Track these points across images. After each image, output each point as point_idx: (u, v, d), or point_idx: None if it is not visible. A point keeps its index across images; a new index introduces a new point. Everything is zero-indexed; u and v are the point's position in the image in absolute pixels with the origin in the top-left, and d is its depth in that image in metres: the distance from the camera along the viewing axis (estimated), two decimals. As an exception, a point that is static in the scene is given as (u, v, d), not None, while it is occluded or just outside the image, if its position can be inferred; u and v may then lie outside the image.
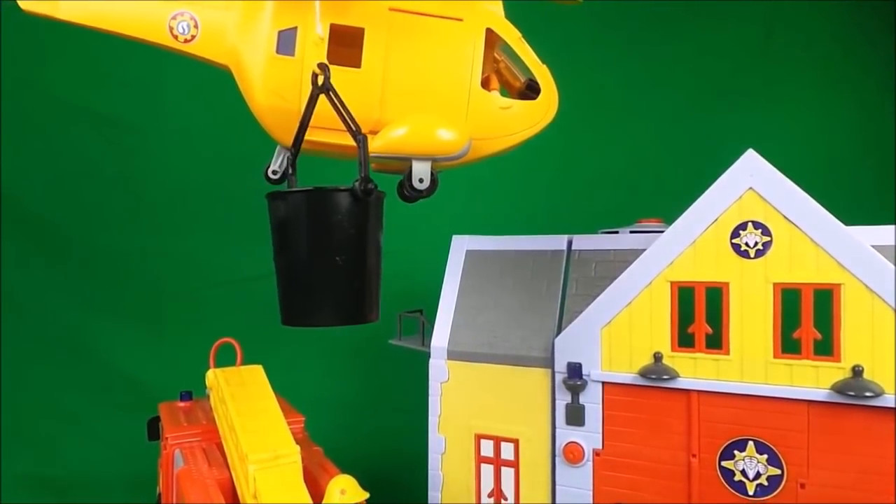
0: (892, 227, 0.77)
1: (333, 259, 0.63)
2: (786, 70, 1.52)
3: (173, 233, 1.67)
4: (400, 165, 0.74)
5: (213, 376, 0.89)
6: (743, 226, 0.79)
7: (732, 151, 0.80)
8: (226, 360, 0.95)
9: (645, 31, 1.54)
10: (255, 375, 0.89)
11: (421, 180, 0.71)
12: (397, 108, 0.70)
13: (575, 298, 0.93)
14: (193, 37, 0.69)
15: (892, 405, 0.71)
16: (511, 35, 0.73)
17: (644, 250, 0.84)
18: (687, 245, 0.81)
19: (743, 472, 0.79)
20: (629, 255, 0.87)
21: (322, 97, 0.64)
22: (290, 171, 0.68)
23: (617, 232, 0.99)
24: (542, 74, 0.74)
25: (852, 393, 0.72)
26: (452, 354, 0.97)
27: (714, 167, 0.81)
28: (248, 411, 0.80)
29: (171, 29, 0.69)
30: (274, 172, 0.75)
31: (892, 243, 0.75)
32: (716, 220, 0.80)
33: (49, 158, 1.62)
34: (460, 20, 0.71)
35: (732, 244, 0.79)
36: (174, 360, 1.51)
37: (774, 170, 0.77)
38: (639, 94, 1.53)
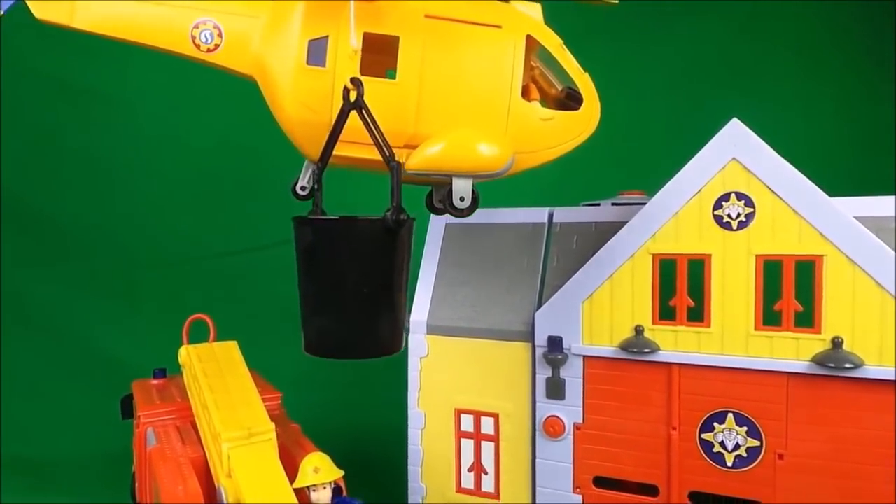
0: (874, 198, 0.76)
1: (360, 290, 0.60)
2: (770, 47, 1.52)
3: (148, 207, 1.65)
4: (427, 179, 0.70)
5: (186, 353, 0.87)
6: (726, 197, 0.78)
7: (716, 124, 0.78)
8: (202, 336, 0.92)
9: (632, 6, 1.51)
10: (229, 351, 0.87)
11: (462, 199, 0.67)
12: (434, 122, 0.66)
13: (556, 272, 0.92)
14: (217, 46, 0.65)
15: (872, 376, 0.71)
16: (552, 42, 0.69)
17: (626, 223, 0.83)
18: (669, 217, 0.80)
19: (722, 444, 0.79)
20: (611, 227, 0.86)
21: (353, 113, 0.61)
22: (316, 186, 0.64)
23: (598, 204, 0.97)
24: (585, 84, 0.70)
25: (832, 364, 0.72)
26: (432, 329, 0.96)
27: (698, 139, 0.80)
28: (222, 388, 0.79)
29: (193, 38, 0.65)
30: (302, 188, 0.71)
31: (885, 214, 0.75)
32: (699, 191, 0.79)
33: (17, 129, 1.57)
34: (499, 27, 0.67)
35: (715, 216, 0.78)
36: (151, 336, 1.49)
37: (758, 139, 0.76)
38: (622, 68, 1.51)
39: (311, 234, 0.61)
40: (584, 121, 0.70)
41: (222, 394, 0.78)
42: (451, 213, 0.68)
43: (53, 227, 1.62)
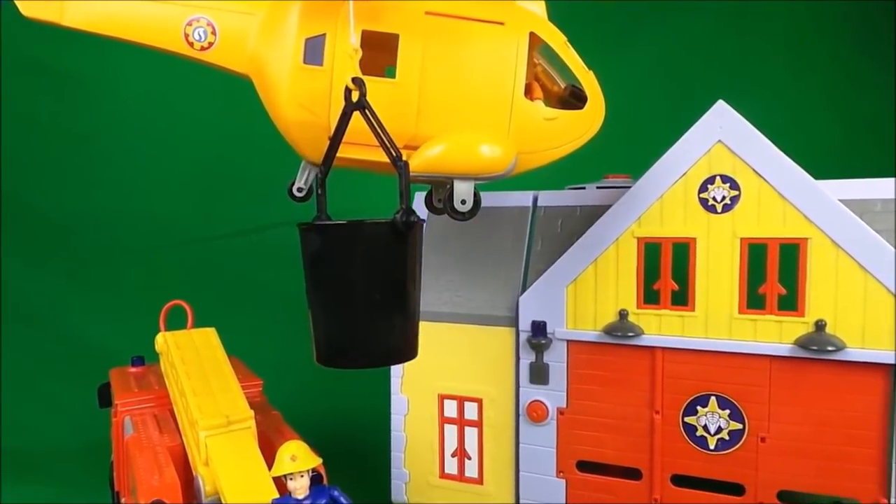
0: (860, 181, 0.76)
1: (372, 296, 0.58)
2: (757, 36, 1.51)
3: (128, 192, 1.62)
4: (427, 179, 0.68)
5: (163, 340, 0.85)
6: (711, 180, 0.77)
7: (703, 109, 0.77)
8: (182, 323, 0.91)
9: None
10: (208, 338, 0.85)
11: (463, 202, 0.65)
12: (435, 122, 0.64)
13: (540, 256, 0.91)
14: (211, 44, 0.63)
15: (854, 359, 0.71)
16: (556, 39, 0.67)
17: (611, 206, 0.82)
18: (654, 200, 0.80)
19: (705, 427, 0.79)
20: (596, 211, 0.85)
21: (356, 114, 0.58)
22: (320, 191, 0.62)
23: (584, 188, 0.96)
24: (589, 82, 0.68)
25: (815, 347, 0.72)
26: (415, 314, 0.95)
27: (684, 124, 0.79)
28: (199, 375, 0.77)
29: (186, 36, 0.62)
30: (299, 190, 0.69)
31: (870, 197, 0.74)
32: (684, 174, 0.78)
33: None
34: (501, 24, 0.65)
35: (700, 199, 0.77)
36: (134, 324, 1.47)
37: (744, 122, 0.75)
38: (609, 50, 1.49)
39: (318, 240, 0.59)
40: (589, 120, 0.68)
41: (200, 381, 0.76)
42: (451, 216, 0.66)
43: (36, 215, 1.59)
